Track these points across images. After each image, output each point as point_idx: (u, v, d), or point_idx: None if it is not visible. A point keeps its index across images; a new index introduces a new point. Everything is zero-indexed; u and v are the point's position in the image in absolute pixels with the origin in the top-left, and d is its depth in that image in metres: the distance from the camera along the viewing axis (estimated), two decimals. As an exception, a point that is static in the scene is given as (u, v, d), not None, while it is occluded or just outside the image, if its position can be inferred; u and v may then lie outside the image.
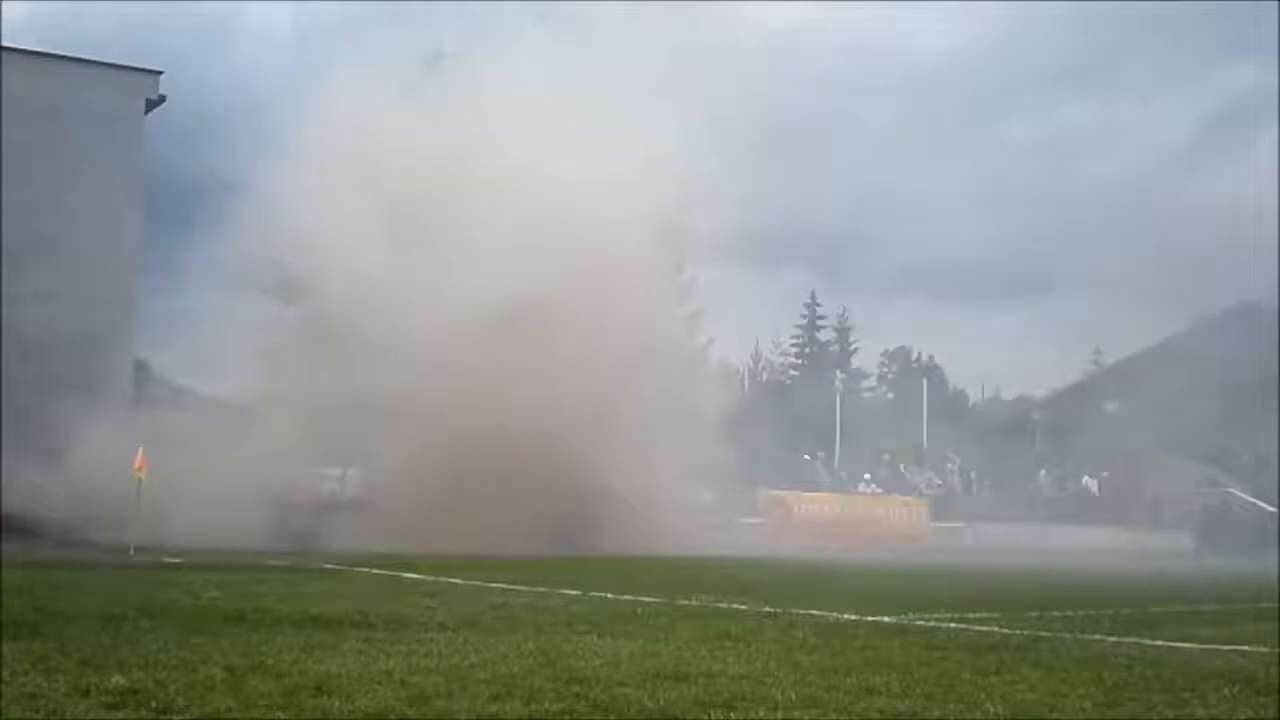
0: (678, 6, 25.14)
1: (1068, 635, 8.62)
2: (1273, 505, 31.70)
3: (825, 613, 9.93)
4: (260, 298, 25.32)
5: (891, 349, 73.47)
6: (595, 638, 7.74)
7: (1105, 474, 36.36)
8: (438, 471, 20.93)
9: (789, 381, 67.17)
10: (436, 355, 21.60)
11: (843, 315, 72.11)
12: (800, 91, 60.72)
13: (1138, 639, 8.46)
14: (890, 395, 70.83)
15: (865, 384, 71.79)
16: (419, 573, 13.91)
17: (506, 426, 20.89)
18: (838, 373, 53.78)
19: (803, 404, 46.86)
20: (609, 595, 11.33)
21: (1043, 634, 8.61)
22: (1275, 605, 11.65)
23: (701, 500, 28.28)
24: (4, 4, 25.68)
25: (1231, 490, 33.19)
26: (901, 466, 38.00)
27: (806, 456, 37.43)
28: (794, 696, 5.63)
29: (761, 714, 5.21)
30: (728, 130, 25.37)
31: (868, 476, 35.84)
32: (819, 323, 71.96)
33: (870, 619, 9.48)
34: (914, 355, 73.11)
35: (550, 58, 24.20)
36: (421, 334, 21.78)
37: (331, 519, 21.42)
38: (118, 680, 5.50)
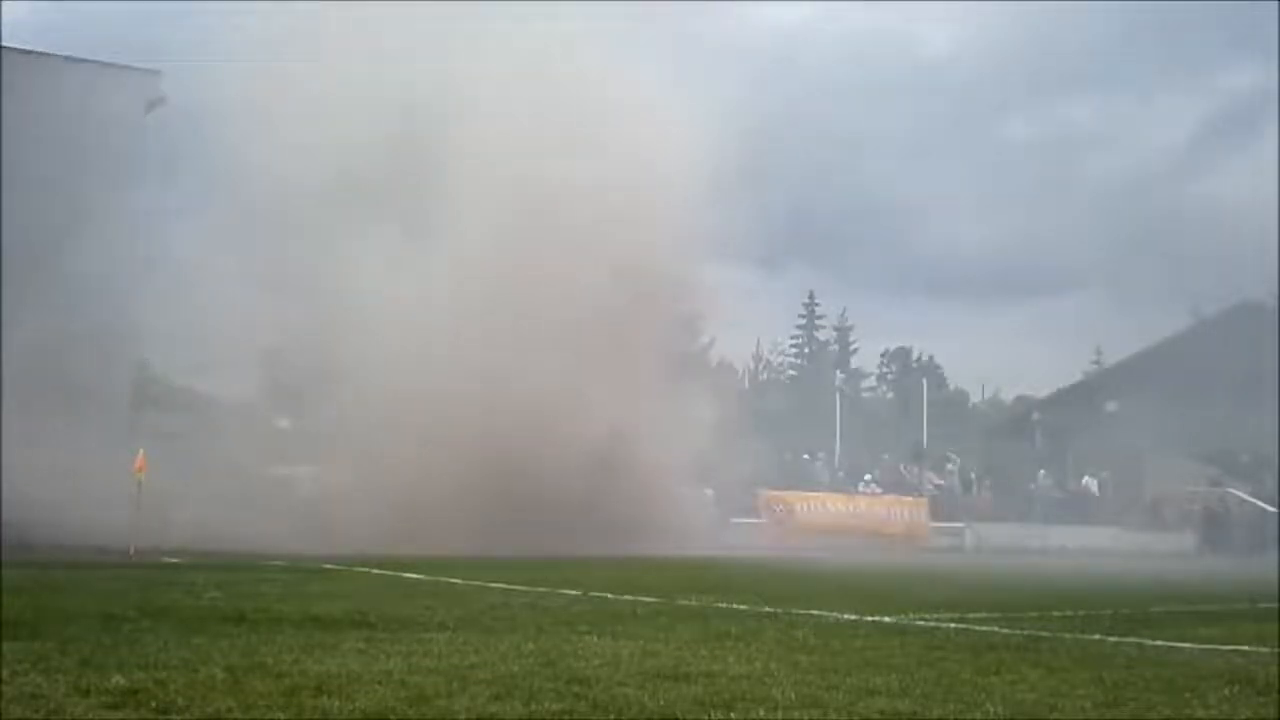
0: (676, 6, 25.09)
1: (1068, 635, 8.62)
2: (1273, 505, 31.72)
3: (825, 613, 9.93)
4: (257, 295, 25.26)
5: (891, 349, 73.51)
6: (595, 638, 7.74)
7: (1105, 474, 36.33)
8: (422, 469, 20.85)
9: (788, 381, 67.18)
10: (419, 344, 21.58)
11: (842, 315, 72.20)
12: (800, 91, 60.74)
13: (1138, 639, 8.46)
14: (890, 395, 70.86)
15: (865, 384, 71.82)
16: (419, 573, 13.91)
17: (495, 420, 20.86)
18: (838, 373, 53.77)
19: (803, 404, 46.91)
20: (609, 595, 11.33)
21: (1043, 634, 8.61)
22: (1275, 605, 11.65)
23: (703, 499, 28.27)
24: (4, 4, 25.62)
25: (1231, 490, 33.19)
26: (901, 466, 37.95)
27: (806, 456, 37.40)
28: (794, 696, 5.63)
29: (761, 714, 5.21)
30: (727, 129, 25.32)
31: (868, 477, 35.80)
32: (818, 323, 72.02)
33: (870, 619, 9.48)
34: (914, 355, 73.13)
35: (546, 48, 24.15)
36: (400, 319, 21.74)
37: (304, 517, 21.31)
38: (118, 680, 5.50)
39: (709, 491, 28.88)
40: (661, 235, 25.21)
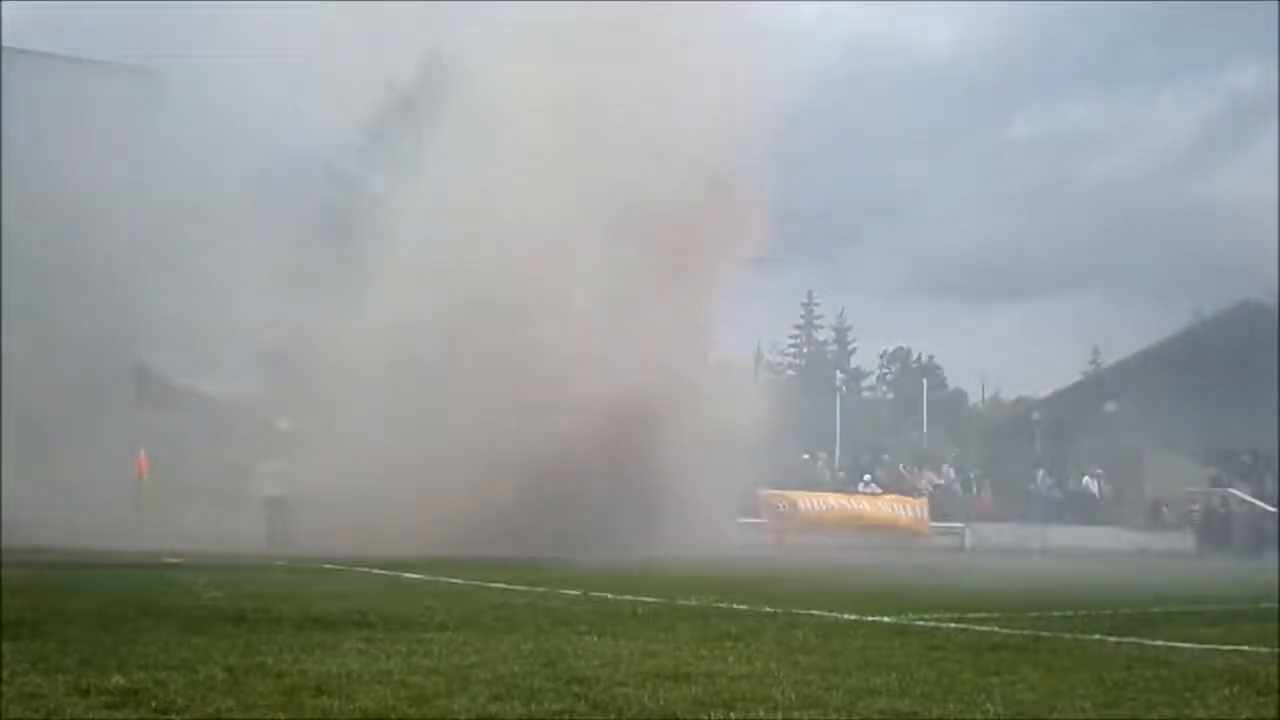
0: (678, 6, 25.04)
1: (1068, 635, 8.62)
2: (1273, 505, 31.70)
3: (825, 613, 9.93)
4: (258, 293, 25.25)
5: (891, 349, 73.44)
6: (595, 638, 7.74)
7: (1104, 474, 36.29)
8: (418, 467, 20.83)
9: (787, 381, 67.06)
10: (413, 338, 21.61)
11: (841, 315, 72.10)
12: (801, 90, 60.69)
13: (1138, 639, 8.46)
14: (890, 395, 70.77)
15: (865, 384, 71.77)
16: (419, 573, 13.92)
17: (493, 418, 20.86)
18: (837, 373, 53.71)
19: (802, 404, 46.84)
20: (609, 595, 11.33)
21: (1043, 634, 8.61)
22: (1275, 605, 11.65)
23: (702, 500, 28.21)
24: (3, 4, 25.63)
25: (1231, 490, 33.18)
26: (901, 466, 37.94)
27: (806, 456, 37.37)
28: (794, 696, 5.63)
29: (761, 714, 5.21)
30: (727, 128, 25.30)
31: (868, 477, 35.78)
32: (817, 322, 71.92)
33: (870, 619, 9.49)
34: (914, 355, 73.07)
35: (542, 50, 24.15)
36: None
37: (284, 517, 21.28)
38: (118, 680, 5.51)
39: (709, 493, 28.82)
40: (662, 234, 25.20)
